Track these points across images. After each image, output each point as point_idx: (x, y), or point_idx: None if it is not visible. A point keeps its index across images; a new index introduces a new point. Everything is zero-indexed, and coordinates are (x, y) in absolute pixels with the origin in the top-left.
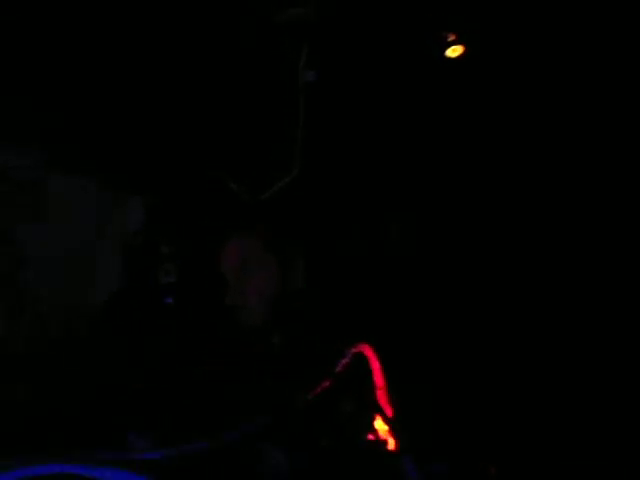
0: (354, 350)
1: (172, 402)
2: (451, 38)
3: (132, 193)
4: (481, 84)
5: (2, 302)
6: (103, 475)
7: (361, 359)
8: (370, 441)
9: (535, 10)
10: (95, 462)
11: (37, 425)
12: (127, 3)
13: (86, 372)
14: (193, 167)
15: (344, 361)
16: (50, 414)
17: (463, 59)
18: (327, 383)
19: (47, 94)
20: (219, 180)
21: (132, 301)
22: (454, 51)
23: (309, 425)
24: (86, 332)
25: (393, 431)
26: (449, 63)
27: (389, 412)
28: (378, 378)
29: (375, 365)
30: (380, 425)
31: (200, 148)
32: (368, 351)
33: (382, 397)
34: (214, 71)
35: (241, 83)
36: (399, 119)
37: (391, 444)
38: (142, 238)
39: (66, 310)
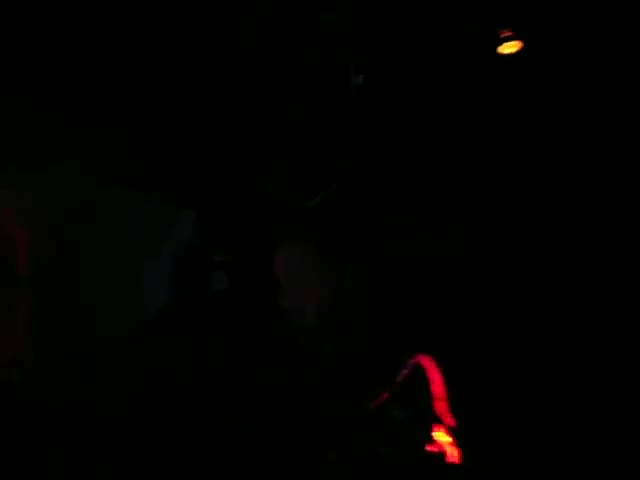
0: (413, 361)
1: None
2: (506, 34)
3: (185, 205)
4: (538, 82)
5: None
6: None
7: (419, 369)
8: (430, 452)
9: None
10: None
11: None
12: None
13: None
14: (242, 178)
15: (404, 372)
16: None
17: (518, 56)
18: (387, 394)
19: (102, 111)
20: (269, 189)
21: (186, 307)
22: (509, 47)
23: (369, 434)
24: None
25: (455, 442)
26: (503, 61)
27: (451, 422)
28: (438, 389)
29: (434, 376)
30: (441, 436)
31: (249, 159)
32: (426, 361)
33: (442, 408)
34: (264, 85)
35: (289, 96)
36: (448, 125)
37: (453, 456)
38: (195, 248)
39: (124, 317)
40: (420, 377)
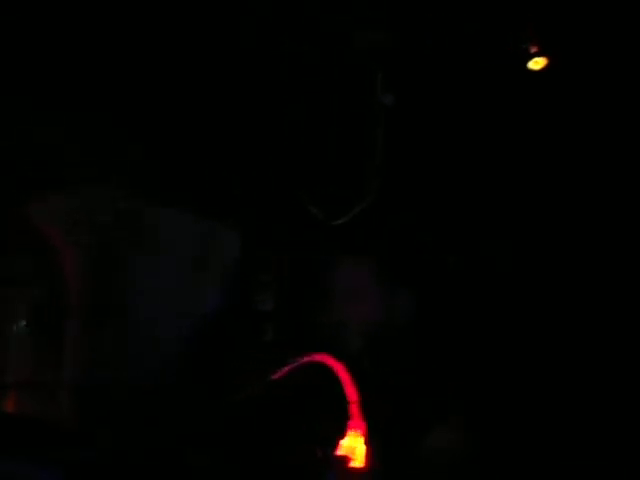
0: (305, 359)
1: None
2: (534, 50)
3: (230, 224)
4: (566, 97)
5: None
6: None
7: (326, 371)
8: (336, 457)
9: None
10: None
11: None
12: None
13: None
14: (284, 195)
15: (287, 369)
16: None
17: (547, 71)
18: (258, 390)
19: (146, 129)
20: (311, 209)
21: (230, 327)
22: (537, 63)
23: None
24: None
25: (367, 447)
26: (531, 75)
27: (361, 427)
28: (350, 391)
29: (344, 378)
30: (350, 441)
31: (286, 175)
32: (333, 362)
33: (354, 411)
34: (297, 98)
35: (321, 110)
36: (477, 139)
37: (359, 461)
38: (240, 267)
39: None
40: (329, 378)
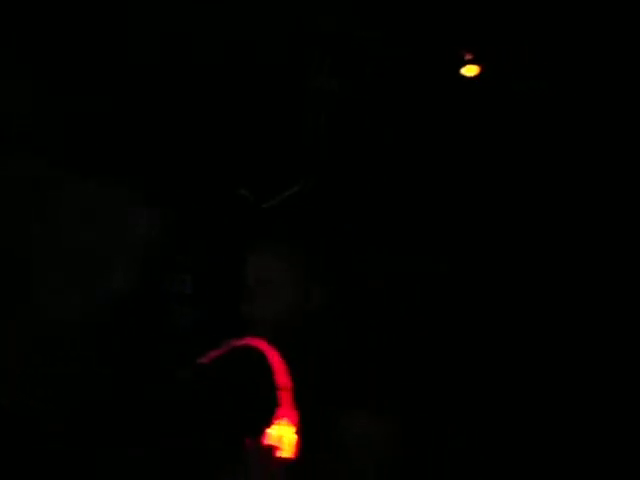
0: (235, 343)
1: None
2: (468, 57)
3: (149, 203)
4: (495, 105)
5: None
6: None
7: (258, 356)
8: (263, 445)
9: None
10: None
11: None
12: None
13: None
14: (209, 179)
15: (214, 353)
16: None
17: (478, 79)
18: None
19: (72, 104)
20: (234, 192)
21: (142, 307)
22: (470, 70)
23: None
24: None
25: (296, 435)
26: (464, 81)
27: (293, 414)
28: (281, 378)
29: (277, 364)
30: (281, 429)
31: (214, 158)
32: (266, 348)
33: (286, 398)
34: (231, 81)
35: (256, 93)
36: (412, 132)
37: (287, 451)
38: (158, 247)
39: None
40: (260, 364)
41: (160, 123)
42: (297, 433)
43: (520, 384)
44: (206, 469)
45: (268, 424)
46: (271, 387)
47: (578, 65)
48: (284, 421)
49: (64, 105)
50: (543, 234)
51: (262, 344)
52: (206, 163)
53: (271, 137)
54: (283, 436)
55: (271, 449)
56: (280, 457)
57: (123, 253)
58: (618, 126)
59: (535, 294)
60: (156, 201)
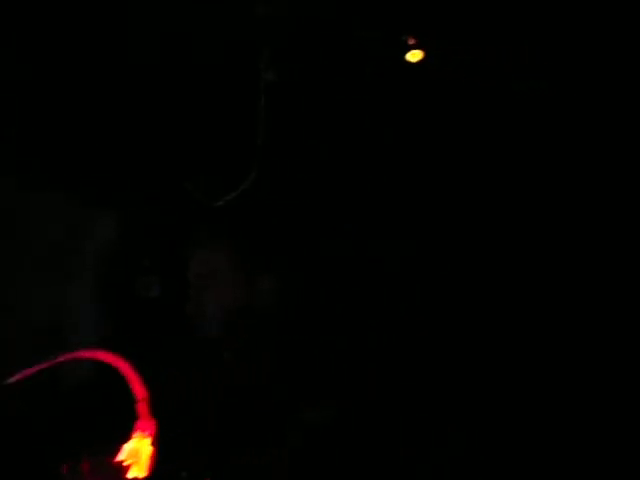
0: (69, 357)
1: None
2: (411, 42)
3: (107, 208)
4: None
5: None
6: None
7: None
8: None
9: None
10: None
11: None
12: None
13: None
14: (161, 177)
15: (37, 367)
16: None
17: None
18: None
19: (20, 111)
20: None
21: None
22: (414, 56)
23: None
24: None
25: (154, 449)
26: (409, 67)
27: (149, 428)
28: (137, 389)
29: (132, 375)
30: (135, 443)
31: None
32: (116, 360)
33: (143, 410)
34: (174, 75)
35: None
36: (359, 120)
37: (141, 466)
38: (121, 252)
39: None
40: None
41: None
42: (153, 445)
43: (519, 384)
44: None
45: (124, 439)
46: (126, 399)
47: (578, 65)
48: (141, 434)
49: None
50: (542, 234)
51: (107, 356)
52: (154, 160)
53: (220, 132)
54: (139, 450)
55: (120, 467)
56: (131, 476)
57: (86, 257)
58: (618, 126)
59: (533, 293)
60: (114, 203)
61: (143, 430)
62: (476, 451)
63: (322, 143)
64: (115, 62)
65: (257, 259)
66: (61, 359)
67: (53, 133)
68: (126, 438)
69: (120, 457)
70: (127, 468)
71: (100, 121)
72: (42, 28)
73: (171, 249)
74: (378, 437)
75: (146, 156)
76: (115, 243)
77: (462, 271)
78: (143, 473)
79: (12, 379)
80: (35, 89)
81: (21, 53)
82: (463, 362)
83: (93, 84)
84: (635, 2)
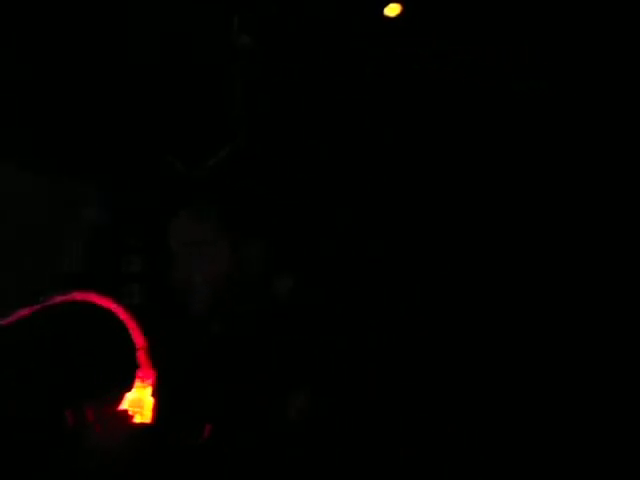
0: (60, 298)
1: None
2: None
3: (90, 186)
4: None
5: None
6: None
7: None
8: (119, 411)
9: None
10: None
11: None
12: None
13: None
14: (142, 152)
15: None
16: None
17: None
18: None
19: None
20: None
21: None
22: (392, 10)
23: None
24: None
25: (155, 397)
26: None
27: (150, 377)
28: (136, 337)
29: (130, 323)
30: (137, 393)
31: (143, 129)
32: (114, 306)
33: (142, 358)
34: (145, 44)
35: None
36: (340, 86)
37: (145, 415)
38: (107, 230)
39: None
40: (113, 324)
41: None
42: (154, 395)
43: (519, 384)
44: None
45: (127, 387)
46: (127, 347)
47: (578, 65)
48: (142, 383)
49: None
50: (542, 234)
51: (101, 299)
52: (133, 134)
53: (198, 103)
54: (142, 399)
55: (123, 416)
56: (135, 424)
57: (70, 237)
58: (618, 126)
59: (533, 293)
60: (95, 181)
61: (143, 379)
62: (476, 451)
63: (310, 122)
64: (91, 41)
65: (243, 227)
66: (56, 300)
67: (32, 114)
68: (128, 386)
69: (123, 406)
70: (131, 416)
71: (78, 100)
72: None
73: (155, 222)
74: (378, 437)
75: (125, 130)
76: (99, 221)
77: (462, 271)
78: (147, 420)
79: (4, 320)
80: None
81: None
82: (463, 362)
83: (67, 63)
84: (635, 2)
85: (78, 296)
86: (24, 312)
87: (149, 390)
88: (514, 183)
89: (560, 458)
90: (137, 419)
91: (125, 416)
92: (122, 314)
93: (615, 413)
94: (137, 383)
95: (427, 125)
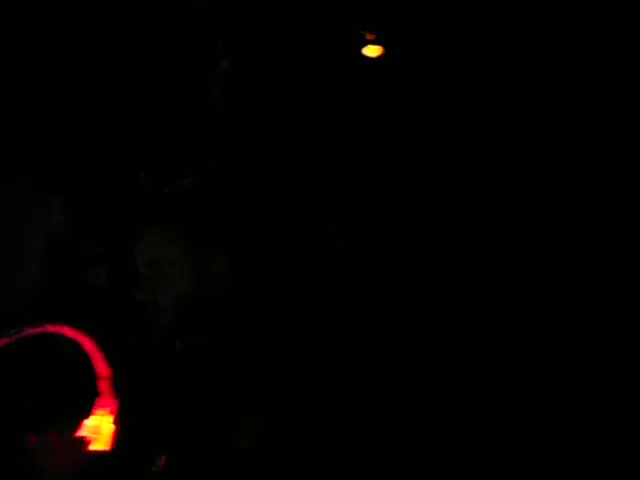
0: (30, 331)
1: None
2: (369, 37)
3: (53, 192)
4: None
5: None
6: None
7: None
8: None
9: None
10: None
11: None
12: None
13: None
14: (111, 162)
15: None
16: None
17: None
18: None
19: None
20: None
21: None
22: (372, 51)
23: None
24: None
25: (115, 426)
26: (367, 62)
27: (110, 405)
28: (100, 366)
29: (94, 352)
30: (99, 420)
31: (114, 141)
32: (78, 335)
33: (104, 387)
34: (126, 60)
35: (155, 74)
36: (317, 112)
37: (102, 443)
38: (67, 239)
39: None
40: (78, 352)
41: (59, 107)
42: (115, 423)
43: (519, 384)
44: None
45: (86, 415)
46: (88, 376)
47: (578, 65)
48: (102, 411)
49: None
50: (542, 234)
51: (68, 330)
52: (105, 148)
53: (173, 119)
54: (100, 427)
55: (81, 442)
56: (92, 450)
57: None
58: (618, 126)
59: (534, 292)
60: (62, 189)
61: (104, 407)
62: (476, 451)
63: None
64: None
65: (209, 246)
66: (24, 333)
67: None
68: (87, 415)
69: (81, 432)
70: (89, 442)
71: (51, 107)
72: None
73: (121, 237)
74: (377, 437)
75: (97, 144)
76: (65, 232)
77: (463, 271)
78: (105, 447)
79: None
80: None
81: None
82: (463, 362)
83: (38, 68)
84: (635, 2)
85: (50, 328)
86: None
87: (109, 418)
88: (514, 183)
89: (560, 458)
90: (95, 446)
91: (82, 442)
92: (88, 345)
93: (615, 413)
94: (98, 411)
95: (420, 128)
